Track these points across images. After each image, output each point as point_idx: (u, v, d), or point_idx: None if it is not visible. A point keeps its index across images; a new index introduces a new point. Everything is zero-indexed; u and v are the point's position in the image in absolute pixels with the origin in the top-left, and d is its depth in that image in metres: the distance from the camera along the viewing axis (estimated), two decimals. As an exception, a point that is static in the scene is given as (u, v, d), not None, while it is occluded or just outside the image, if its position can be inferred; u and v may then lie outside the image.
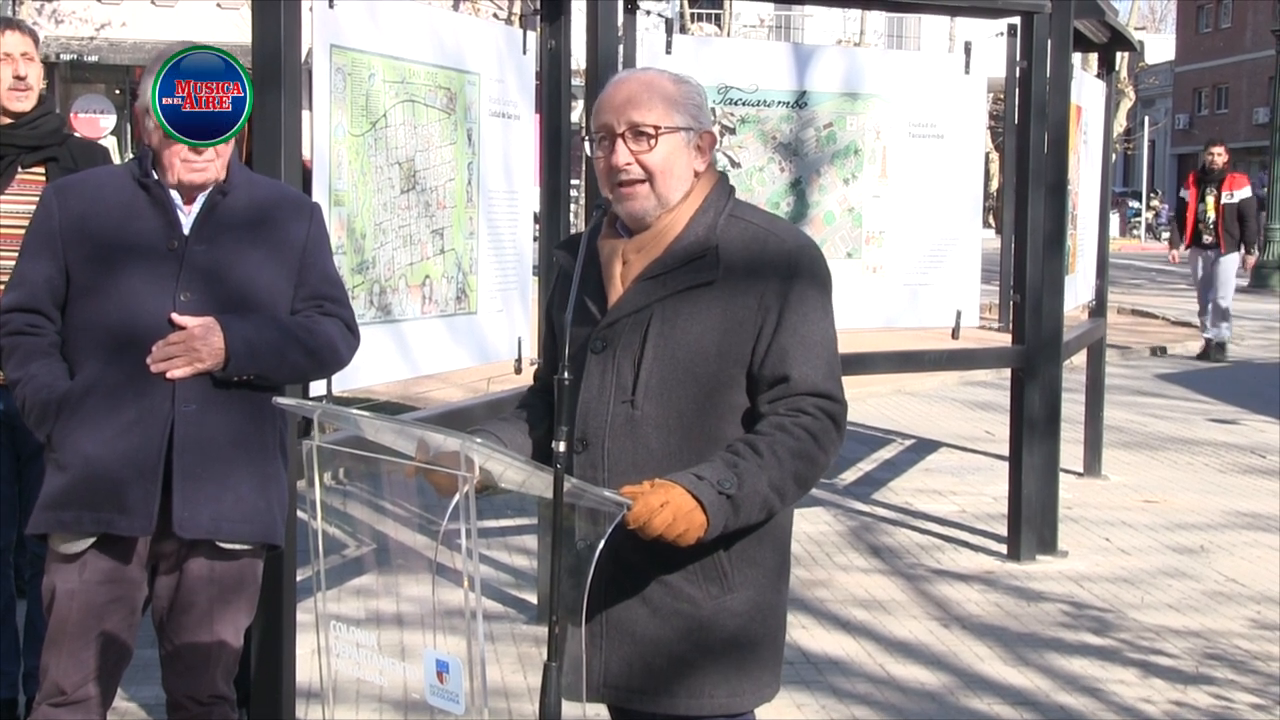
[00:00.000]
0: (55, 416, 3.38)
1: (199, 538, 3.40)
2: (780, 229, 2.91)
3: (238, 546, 3.47)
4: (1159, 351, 15.60)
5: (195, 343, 3.34)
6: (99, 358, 3.38)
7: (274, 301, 3.49)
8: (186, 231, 3.43)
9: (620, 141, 2.84)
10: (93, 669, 3.45)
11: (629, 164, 2.83)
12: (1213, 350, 15.13)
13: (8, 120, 4.59)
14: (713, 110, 6.51)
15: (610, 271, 2.89)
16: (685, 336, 2.81)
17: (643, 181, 2.84)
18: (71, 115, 19.74)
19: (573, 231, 6.29)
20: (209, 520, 3.39)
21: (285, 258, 3.52)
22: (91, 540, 3.39)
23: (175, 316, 3.35)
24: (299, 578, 4.60)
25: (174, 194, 3.45)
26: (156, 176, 3.45)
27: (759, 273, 2.82)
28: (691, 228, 2.86)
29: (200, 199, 3.46)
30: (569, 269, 2.92)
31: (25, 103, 4.59)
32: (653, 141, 2.83)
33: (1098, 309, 9.44)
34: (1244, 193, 14.71)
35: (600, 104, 2.89)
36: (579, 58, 5.99)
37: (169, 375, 3.34)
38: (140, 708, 4.97)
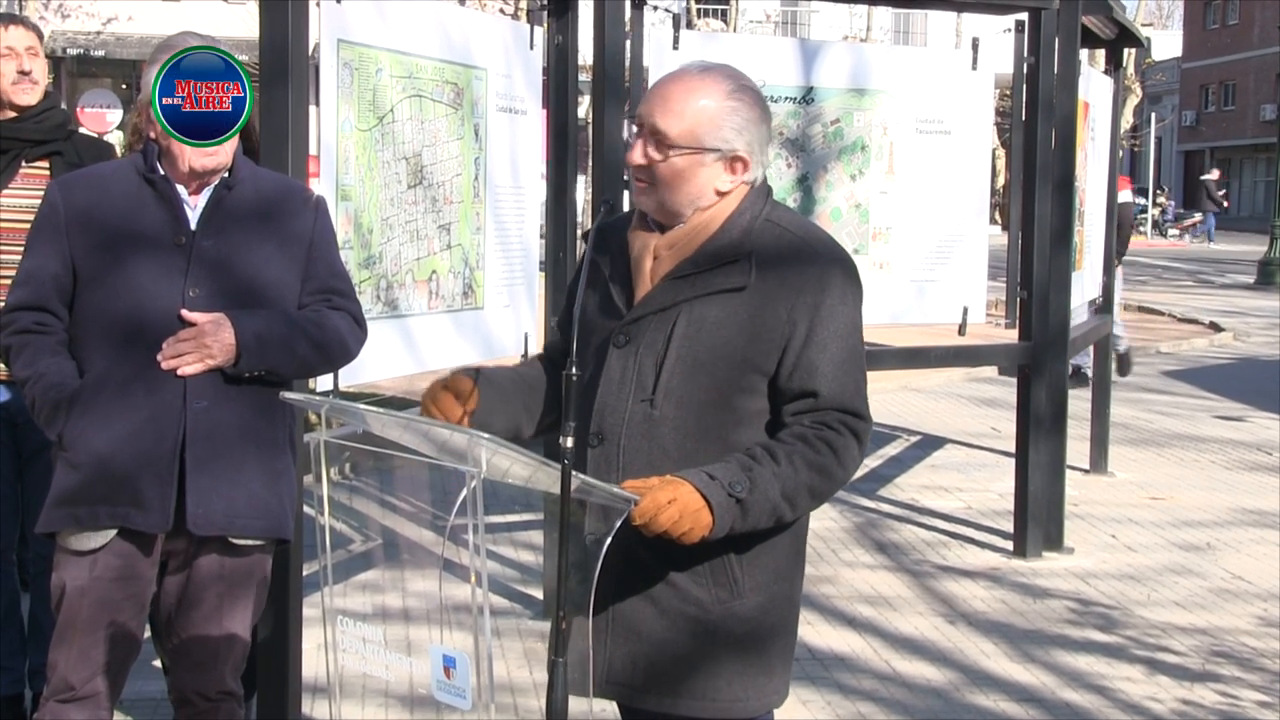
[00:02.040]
0: (67, 415, 3.37)
1: (213, 534, 3.40)
2: (815, 240, 2.86)
3: (248, 542, 3.47)
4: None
5: (206, 339, 3.33)
6: (108, 354, 3.37)
7: (282, 296, 3.48)
8: (193, 226, 3.43)
9: (642, 139, 2.81)
10: (101, 664, 3.44)
11: (640, 164, 2.81)
12: (1080, 377, 11.95)
13: (12, 114, 4.60)
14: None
15: (641, 266, 2.85)
16: (711, 340, 2.78)
17: (647, 184, 2.82)
18: (78, 110, 19.74)
19: (579, 229, 6.30)
20: (223, 516, 3.39)
21: (292, 251, 3.51)
22: (107, 537, 3.39)
23: (185, 313, 3.35)
24: (305, 572, 4.60)
25: (180, 188, 3.45)
26: (162, 170, 3.45)
27: (791, 284, 2.77)
28: (726, 229, 2.81)
29: (206, 193, 3.45)
30: (600, 261, 2.89)
31: (30, 96, 4.59)
32: (667, 153, 2.78)
33: (1104, 306, 9.43)
34: (1124, 196, 12.84)
35: (650, 88, 2.86)
36: (586, 53, 5.99)
37: (180, 372, 3.34)
38: (146, 703, 4.97)
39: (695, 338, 2.78)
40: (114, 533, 3.39)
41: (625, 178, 5.37)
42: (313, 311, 3.52)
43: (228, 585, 3.48)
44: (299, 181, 3.71)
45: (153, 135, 3.48)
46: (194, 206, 3.45)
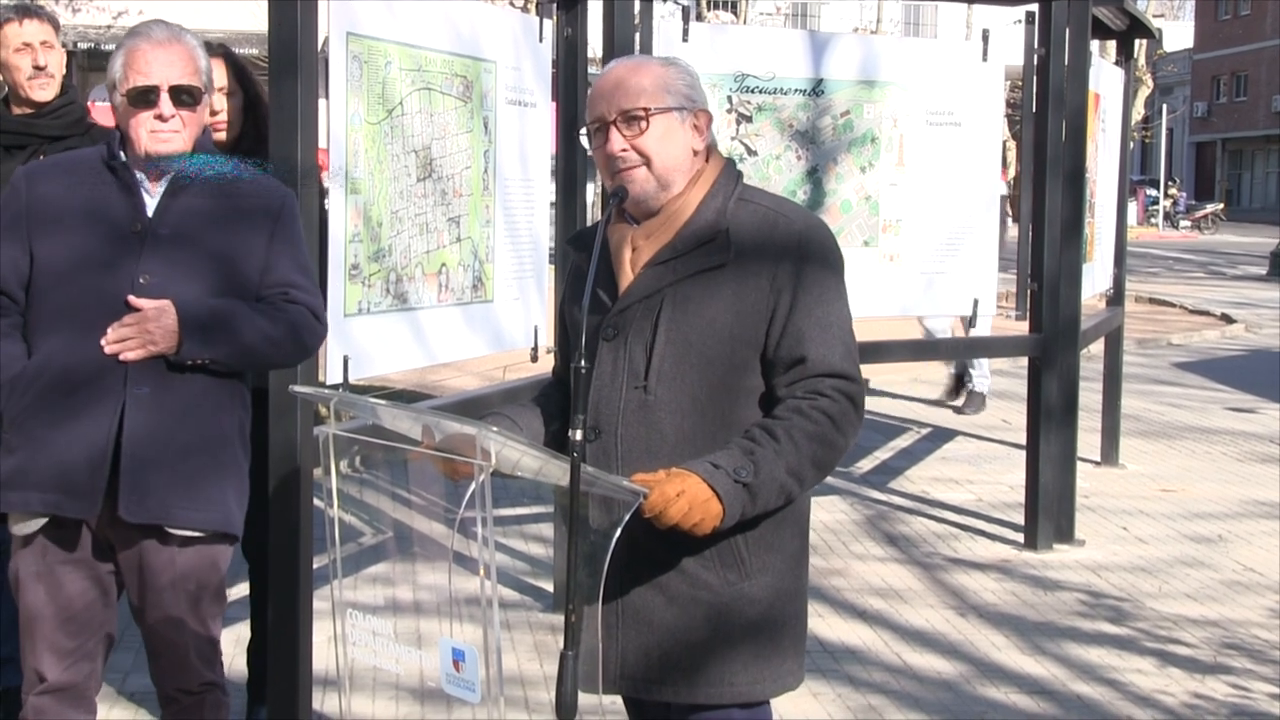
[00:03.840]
0: (7, 397, 3.36)
1: (145, 523, 3.36)
2: (789, 210, 2.91)
3: (191, 534, 3.42)
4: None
5: (148, 325, 3.30)
6: (56, 339, 3.36)
7: (238, 286, 3.45)
8: (151, 214, 3.42)
9: (614, 129, 2.85)
10: (69, 652, 3.43)
11: (624, 150, 2.85)
12: (969, 402, 11.19)
13: (30, 109, 4.59)
14: (729, 98, 6.50)
15: (620, 259, 2.89)
16: (698, 320, 2.80)
17: (640, 165, 2.85)
18: (89, 104, 19.74)
19: (588, 220, 6.29)
20: (157, 505, 3.34)
21: (251, 243, 3.47)
22: (42, 521, 3.37)
23: (131, 299, 3.33)
24: (315, 566, 4.60)
25: (140, 175, 3.44)
26: (125, 158, 3.44)
27: (770, 255, 2.81)
28: (701, 212, 2.86)
29: (164, 181, 3.44)
30: (580, 262, 2.92)
31: (47, 91, 4.58)
32: (644, 124, 2.84)
33: (1115, 297, 9.41)
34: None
35: (591, 95, 2.91)
36: (595, 46, 5.98)
37: (122, 357, 3.31)
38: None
39: (682, 319, 2.81)
40: (47, 519, 3.37)
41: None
42: (268, 304, 3.48)
43: (180, 578, 3.43)
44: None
45: (114, 121, 3.49)
46: (154, 194, 3.44)
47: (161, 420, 3.35)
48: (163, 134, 3.39)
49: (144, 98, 3.39)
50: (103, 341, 3.31)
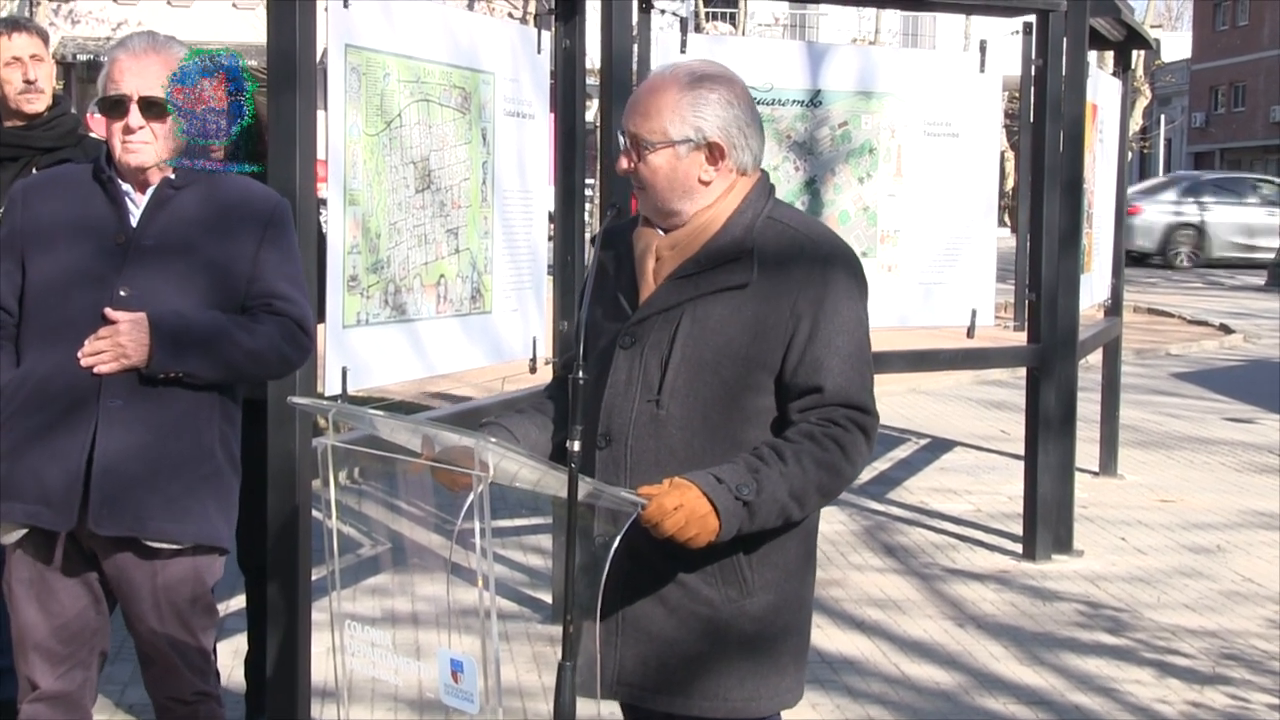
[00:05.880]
0: None
1: (116, 535, 3.35)
2: (817, 234, 2.89)
3: (169, 546, 3.40)
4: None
5: (121, 338, 3.29)
6: (39, 351, 3.37)
7: (225, 296, 3.43)
8: (135, 224, 3.41)
9: (625, 148, 2.88)
10: (65, 659, 3.43)
11: (626, 169, 2.88)
12: None
13: (21, 122, 4.59)
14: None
15: (643, 267, 2.88)
16: (715, 338, 2.79)
17: (640, 187, 2.88)
18: (88, 115, 19.76)
19: (587, 231, 6.30)
20: (132, 518, 3.33)
21: (239, 251, 3.45)
22: (24, 531, 3.38)
23: (108, 311, 3.32)
24: (314, 577, 4.60)
25: (128, 187, 3.44)
26: (113, 170, 3.44)
27: (793, 279, 2.79)
28: (728, 228, 2.84)
29: (149, 192, 3.44)
30: (605, 260, 2.93)
31: (38, 104, 4.59)
32: (642, 153, 2.85)
33: (1113, 308, 9.42)
34: None
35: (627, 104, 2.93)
36: (594, 57, 5.99)
37: (95, 370, 3.31)
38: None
39: (699, 337, 2.80)
40: (28, 529, 3.37)
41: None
42: (249, 316, 3.45)
43: (164, 591, 3.42)
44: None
45: (99, 133, 3.49)
46: (139, 205, 3.43)
47: (135, 433, 3.34)
48: (132, 144, 3.39)
49: (115, 108, 3.40)
50: (79, 354, 3.32)
